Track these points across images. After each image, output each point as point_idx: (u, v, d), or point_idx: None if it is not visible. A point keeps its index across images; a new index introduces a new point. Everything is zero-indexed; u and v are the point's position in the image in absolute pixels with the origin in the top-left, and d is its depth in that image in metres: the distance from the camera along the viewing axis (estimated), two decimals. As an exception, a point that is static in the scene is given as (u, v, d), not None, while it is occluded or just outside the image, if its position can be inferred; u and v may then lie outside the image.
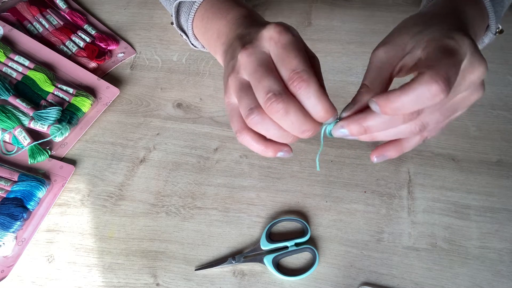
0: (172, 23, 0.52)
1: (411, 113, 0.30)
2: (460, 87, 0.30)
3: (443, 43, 0.29)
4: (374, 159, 0.36)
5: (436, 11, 0.37)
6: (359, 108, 0.33)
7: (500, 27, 0.46)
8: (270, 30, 0.33)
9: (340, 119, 0.34)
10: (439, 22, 0.33)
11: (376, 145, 0.37)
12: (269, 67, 0.32)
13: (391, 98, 0.28)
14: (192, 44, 0.52)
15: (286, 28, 0.32)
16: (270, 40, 0.33)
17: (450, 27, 0.32)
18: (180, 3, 0.49)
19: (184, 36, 0.52)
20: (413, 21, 0.35)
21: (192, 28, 0.48)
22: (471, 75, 0.30)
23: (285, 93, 0.31)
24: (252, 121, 0.32)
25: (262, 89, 0.31)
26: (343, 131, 0.32)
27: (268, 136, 0.34)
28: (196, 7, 0.46)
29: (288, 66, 0.31)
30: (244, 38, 0.35)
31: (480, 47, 0.46)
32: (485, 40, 0.45)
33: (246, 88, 0.33)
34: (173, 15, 0.50)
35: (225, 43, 0.40)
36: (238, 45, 0.35)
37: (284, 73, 0.31)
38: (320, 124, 0.33)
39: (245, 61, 0.33)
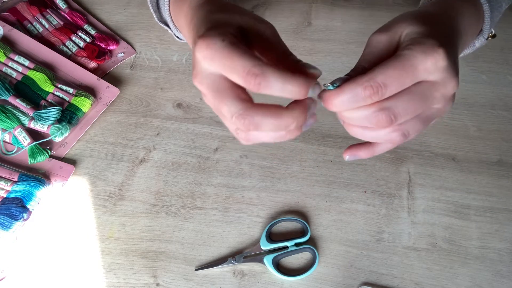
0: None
1: (390, 119, 0.30)
2: (434, 99, 0.31)
3: (401, 52, 0.30)
4: (347, 157, 0.36)
5: (430, 10, 0.37)
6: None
7: (493, 32, 0.46)
8: (200, 50, 0.30)
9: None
10: (425, 24, 0.33)
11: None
12: (220, 90, 0.30)
13: (331, 95, 0.30)
14: (177, 36, 0.51)
15: (209, 39, 0.29)
16: (205, 59, 0.30)
17: (431, 32, 0.32)
18: None
19: (169, 30, 0.51)
20: (409, 16, 0.35)
21: (172, 20, 0.47)
22: (443, 89, 0.31)
23: (246, 109, 0.29)
24: (243, 140, 0.33)
25: (225, 116, 0.31)
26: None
27: (268, 139, 0.33)
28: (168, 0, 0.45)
29: (236, 72, 0.29)
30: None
31: (470, 50, 0.47)
32: (476, 44, 0.46)
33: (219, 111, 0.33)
34: (152, 10, 0.50)
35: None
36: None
37: (238, 80, 0.29)
38: (302, 111, 0.31)
39: (201, 90, 0.32)
